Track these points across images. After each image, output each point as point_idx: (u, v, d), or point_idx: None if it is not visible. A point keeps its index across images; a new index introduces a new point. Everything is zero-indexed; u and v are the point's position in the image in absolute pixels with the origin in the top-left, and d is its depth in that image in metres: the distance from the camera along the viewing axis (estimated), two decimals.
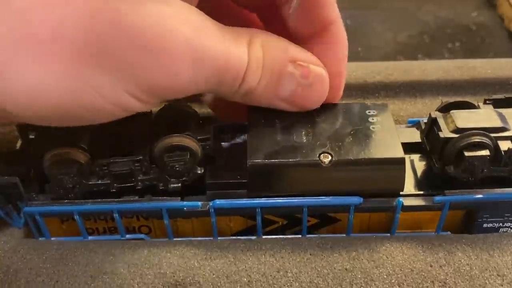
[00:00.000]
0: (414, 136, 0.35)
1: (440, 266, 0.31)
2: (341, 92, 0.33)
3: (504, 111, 0.33)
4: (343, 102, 0.34)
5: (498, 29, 0.61)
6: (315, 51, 0.31)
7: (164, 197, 0.32)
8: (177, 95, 0.26)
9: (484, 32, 0.61)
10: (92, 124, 0.32)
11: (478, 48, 0.59)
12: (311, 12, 0.30)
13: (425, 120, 0.34)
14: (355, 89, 0.44)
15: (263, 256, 0.31)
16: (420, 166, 0.34)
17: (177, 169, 0.31)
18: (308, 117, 0.32)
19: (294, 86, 0.29)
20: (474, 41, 0.60)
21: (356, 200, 0.31)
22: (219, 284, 0.30)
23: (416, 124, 0.36)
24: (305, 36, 0.31)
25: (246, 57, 0.27)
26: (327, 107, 0.33)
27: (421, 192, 0.33)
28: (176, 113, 0.33)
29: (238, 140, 0.36)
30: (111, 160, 0.31)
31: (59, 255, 0.31)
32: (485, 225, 0.33)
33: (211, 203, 0.31)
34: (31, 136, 0.33)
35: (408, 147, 0.34)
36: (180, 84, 0.26)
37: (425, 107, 0.44)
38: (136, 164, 0.31)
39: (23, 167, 0.32)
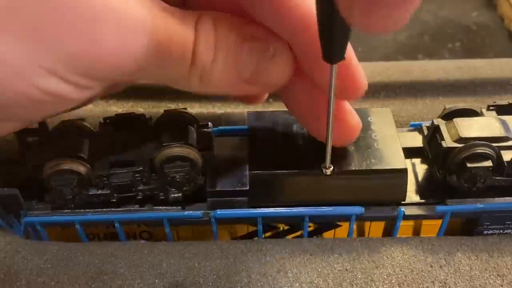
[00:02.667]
0: (416, 140, 0.35)
1: (440, 266, 0.31)
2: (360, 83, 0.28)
3: (507, 118, 0.32)
4: None
5: (498, 29, 0.61)
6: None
7: (165, 207, 0.32)
8: (110, 71, 0.22)
9: (484, 32, 0.61)
10: (87, 132, 0.31)
11: (478, 48, 0.59)
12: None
13: (427, 124, 0.34)
14: None
15: (264, 256, 0.31)
16: (422, 171, 0.34)
17: (178, 179, 0.31)
18: None
19: (255, 61, 0.26)
20: (474, 41, 0.60)
21: (357, 210, 0.31)
22: (219, 285, 0.30)
23: (418, 128, 0.36)
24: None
25: (191, 32, 0.24)
26: None
27: (423, 201, 0.32)
28: (176, 120, 0.33)
29: (238, 146, 0.35)
30: (111, 172, 0.30)
31: (59, 256, 0.31)
32: (485, 232, 0.33)
33: (212, 213, 0.31)
34: (30, 140, 0.33)
35: (410, 152, 0.33)
36: (107, 55, 0.21)
37: (425, 108, 0.44)
38: (137, 175, 0.31)
39: (23, 176, 0.32)
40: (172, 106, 0.45)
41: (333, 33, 0.21)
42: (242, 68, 0.26)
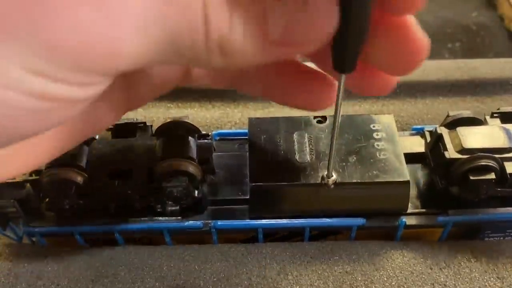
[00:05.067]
0: (418, 145, 0.34)
1: (440, 269, 0.31)
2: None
3: (511, 127, 0.32)
4: (348, 114, 0.33)
5: (498, 29, 0.61)
6: None
7: (165, 218, 0.31)
8: (104, 62, 0.18)
9: (484, 32, 0.61)
10: (85, 140, 0.29)
11: (478, 48, 0.59)
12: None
13: (429, 129, 0.33)
14: None
15: (264, 259, 0.31)
16: (423, 179, 0.34)
17: (175, 193, 0.30)
18: (312, 132, 0.32)
19: (286, 13, 0.19)
20: (474, 41, 0.60)
21: (359, 221, 0.31)
22: (219, 287, 0.30)
23: (420, 132, 0.35)
24: None
25: None
26: (330, 121, 0.33)
27: (424, 210, 0.32)
28: (177, 130, 0.32)
29: (239, 150, 0.35)
30: (109, 182, 0.30)
31: (60, 259, 0.31)
32: (486, 239, 0.33)
33: (212, 223, 0.31)
34: None
35: (412, 158, 0.33)
36: (93, 40, 0.17)
37: (425, 108, 0.44)
38: (134, 186, 0.30)
39: (22, 185, 0.31)
40: (172, 106, 0.45)
41: (347, 41, 0.20)
42: (271, 25, 0.19)
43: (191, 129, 0.33)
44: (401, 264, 0.31)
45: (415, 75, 0.46)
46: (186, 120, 0.33)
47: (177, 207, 0.31)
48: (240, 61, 0.20)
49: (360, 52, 0.21)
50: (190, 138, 0.32)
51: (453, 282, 0.30)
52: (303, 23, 0.19)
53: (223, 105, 0.44)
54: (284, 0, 0.19)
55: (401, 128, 0.40)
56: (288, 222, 0.31)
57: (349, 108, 0.43)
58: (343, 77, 0.22)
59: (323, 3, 0.19)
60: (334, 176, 0.29)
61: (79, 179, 0.30)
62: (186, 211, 0.32)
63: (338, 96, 0.24)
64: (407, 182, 0.30)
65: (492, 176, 0.30)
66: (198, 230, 0.31)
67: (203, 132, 0.33)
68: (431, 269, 0.31)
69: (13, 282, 0.30)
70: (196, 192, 0.31)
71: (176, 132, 0.32)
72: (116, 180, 0.30)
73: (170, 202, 0.31)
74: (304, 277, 0.30)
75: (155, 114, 0.43)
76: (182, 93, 0.45)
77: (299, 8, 0.19)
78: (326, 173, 0.29)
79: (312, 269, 0.31)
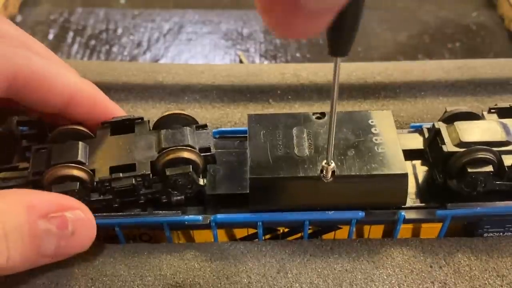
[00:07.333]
0: (416, 142, 0.34)
1: (440, 267, 0.31)
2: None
3: (508, 121, 0.32)
4: (346, 110, 0.34)
5: (498, 29, 0.61)
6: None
7: (165, 212, 0.31)
8: None
9: (484, 32, 0.61)
10: (86, 137, 0.32)
11: (478, 48, 0.59)
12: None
13: (428, 126, 0.34)
14: (355, 90, 0.44)
15: (263, 257, 0.31)
16: (422, 174, 0.34)
17: (180, 182, 0.30)
18: (311, 127, 0.32)
19: (56, 241, 0.26)
20: (474, 41, 0.60)
21: (357, 214, 0.31)
22: (219, 285, 0.30)
23: (418, 130, 0.36)
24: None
25: None
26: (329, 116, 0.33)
27: (423, 205, 0.32)
28: (174, 122, 0.33)
29: (238, 148, 0.35)
30: (113, 177, 0.30)
31: None
32: (485, 234, 0.33)
33: (212, 217, 0.31)
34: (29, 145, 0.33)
35: (410, 154, 0.33)
36: None
37: (425, 108, 0.44)
38: (138, 179, 0.30)
39: (23, 183, 0.31)
40: (172, 106, 0.45)
41: (344, 33, 0.22)
42: (44, 250, 0.26)
43: (189, 121, 0.33)
44: (401, 262, 0.31)
45: (415, 75, 0.46)
46: (183, 113, 0.33)
47: (182, 197, 0.31)
48: (17, 269, 0.26)
49: (354, 38, 0.22)
50: (188, 128, 0.32)
51: (453, 280, 0.30)
52: (71, 245, 0.27)
53: (223, 106, 0.44)
54: (55, 229, 0.26)
55: (401, 128, 0.40)
56: (288, 215, 0.31)
57: (348, 108, 0.43)
58: (339, 60, 0.24)
59: (86, 228, 0.28)
60: (333, 165, 0.29)
61: (83, 175, 0.30)
62: (191, 200, 0.32)
63: (334, 77, 0.25)
64: (405, 175, 0.30)
65: (489, 168, 0.30)
66: (198, 224, 0.31)
67: (200, 124, 0.33)
68: (431, 267, 0.31)
69: (12, 282, 0.30)
70: (201, 180, 0.31)
71: (174, 124, 0.32)
72: (120, 174, 0.30)
73: (175, 192, 0.31)
74: (303, 275, 0.30)
75: (155, 115, 0.43)
76: (182, 93, 0.45)
77: (67, 236, 0.27)
78: (325, 162, 0.29)
79: (312, 267, 0.31)
